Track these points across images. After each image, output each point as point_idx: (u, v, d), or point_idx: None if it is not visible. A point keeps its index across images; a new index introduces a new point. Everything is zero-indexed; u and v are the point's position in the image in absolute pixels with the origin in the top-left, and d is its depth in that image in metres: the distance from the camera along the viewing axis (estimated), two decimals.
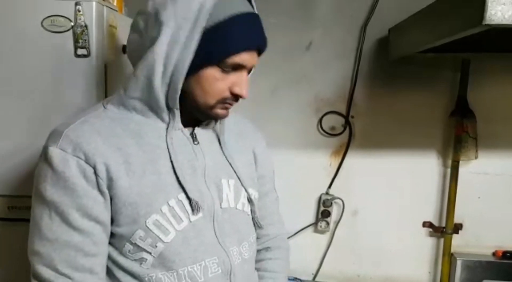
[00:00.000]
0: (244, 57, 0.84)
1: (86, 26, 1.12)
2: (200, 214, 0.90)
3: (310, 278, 1.89)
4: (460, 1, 1.01)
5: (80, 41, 1.13)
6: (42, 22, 1.13)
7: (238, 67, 0.86)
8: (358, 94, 1.76)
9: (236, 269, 0.95)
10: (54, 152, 0.81)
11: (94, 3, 1.13)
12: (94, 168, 0.81)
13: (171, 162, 0.88)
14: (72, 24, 1.13)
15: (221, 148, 0.98)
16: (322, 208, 1.83)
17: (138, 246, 0.86)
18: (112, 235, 0.87)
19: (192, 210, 0.89)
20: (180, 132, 0.91)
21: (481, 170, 1.76)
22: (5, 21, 1.15)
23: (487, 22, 0.87)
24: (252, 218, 1.02)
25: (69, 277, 0.82)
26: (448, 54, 1.53)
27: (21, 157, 1.21)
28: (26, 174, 1.22)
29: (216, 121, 0.97)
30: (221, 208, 0.94)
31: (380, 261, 1.86)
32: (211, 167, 0.94)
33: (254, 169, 1.07)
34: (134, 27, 0.88)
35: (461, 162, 1.72)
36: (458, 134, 1.69)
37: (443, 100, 1.73)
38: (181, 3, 0.80)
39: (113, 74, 1.23)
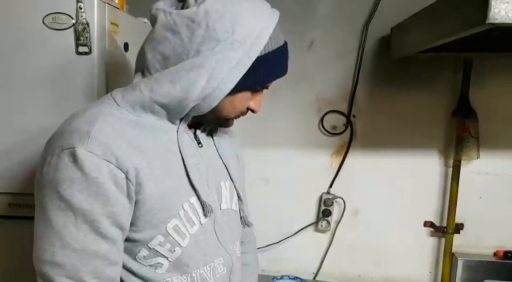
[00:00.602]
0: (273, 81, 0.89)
1: (87, 23, 1.12)
2: (207, 217, 0.91)
3: (311, 278, 1.88)
4: (463, 0, 1.00)
5: (82, 38, 1.13)
6: (43, 20, 1.13)
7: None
8: (359, 93, 1.76)
9: (235, 267, 0.99)
10: (85, 155, 0.74)
11: (95, 0, 1.13)
12: (126, 173, 0.77)
13: (184, 165, 0.87)
14: (73, 21, 1.12)
15: (217, 150, 1.00)
16: (323, 207, 1.82)
17: (156, 251, 0.85)
18: (126, 240, 0.83)
19: (204, 213, 0.89)
20: (187, 135, 0.91)
21: (482, 169, 1.75)
22: (6, 18, 1.15)
23: (490, 21, 0.87)
24: (241, 217, 1.06)
25: None
26: (450, 53, 1.53)
27: (22, 154, 1.20)
28: (26, 172, 1.21)
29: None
30: (220, 209, 0.96)
31: (381, 260, 1.86)
32: (212, 169, 0.96)
33: (240, 170, 1.09)
34: (170, 28, 0.81)
35: (462, 162, 1.72)
36: (460, 134, 1.69)
37: (445, 100, 1.73)
38: (241, 26, 0.79)
39: (115, 72, 1.22)
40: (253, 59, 0.81)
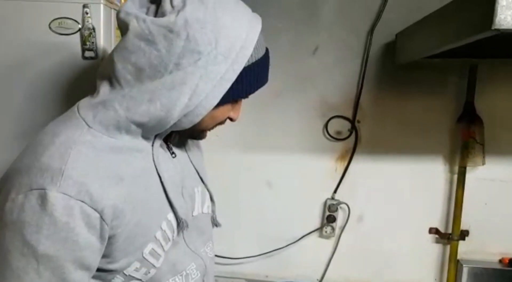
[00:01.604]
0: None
1: (93, 28, 1.13)
2: (180, 233, 0.89)
3: None
4: (469, 6, 1.00)
5: (88, 43, 1.13)
6: (49, 24, 1.13)
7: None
8: (364, 99, 1.76)
9: (208, 268, 1.00)
10: (56, 198, 0.68)
11: (102, 5, 1.14)
12: (101, 213, 0.71)
13: (161, 183, 0.83)
14: (79, 26, 1.13)
15: (189, 156, 0.99)
16: (327, 213, 1.82)
17: (132, 277, 0.83)
18: (100, 270, 0.79)
19: (179, 229, 0.88)
20: (161, 148, 0.87)
21: (488, 176, 1.74)
22: (12, 23, 1.15)
23: (496, 27, 0.86)
24: (212, 217, 1.05)
25: None
26: (455, 59, 1.52)
27: None
28: None
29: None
30: (192, 216, 0.95)
31: (385, 267, 1.85)
32: (186, 177, 0.94)
33: (202, 161, 1.07)
34: (145, 38, 0.73)
35: (468, 168, 1.71)
36: (465, 140, 1.68)
37: (450, 106, 1.72)
38: (225, 37, 0.73)
39: None
40: (238, 72, 0.76)
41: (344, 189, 1.81)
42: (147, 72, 0.73)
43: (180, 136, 0.95)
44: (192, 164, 0.99)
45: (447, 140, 1.75)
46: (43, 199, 0.68)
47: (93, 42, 1.13)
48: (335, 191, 1.82)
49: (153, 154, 0.82)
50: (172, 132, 0.87)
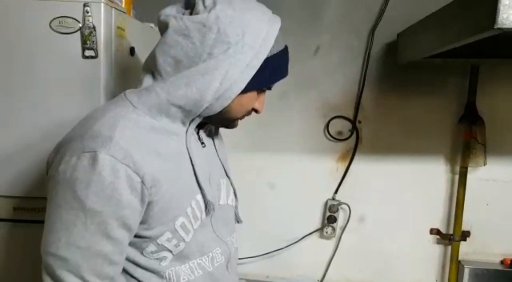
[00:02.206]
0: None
1: (94, 27, 1.12)
2: (208, 214, 0.97)
3: None
4: (471, 5, 1.00)
5: (88, 42, 1.13)
6: (50, 23, 1.13)
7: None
8: (365, 99, 1.75)
9: (232, 257, 1.07)
10: (105, 159, 0.77)
11: (102, 4, 1.13)
12: (142, 178, 0.80)
13: (192, 165, 0.92)
14: (80, 25, 1.12)
15: (216, 150, 1.07)
16: (328, 214, 1.81)
17: (163, 247, 0.90)
18: (136, 236, 0.87)
19: (207, 211, 0.95)
20: (193, 137, 0.95)
21: (489, 176, 1.74)
22: (13, 22, 1.15)
23: (499, 26, 0.86)
24: (235, 213, 1.13)
25: None
26: (457, 60, 1.52)
27: (27, 158, 1.20)
28: (31, 176, 1.21)
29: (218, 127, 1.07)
30: (219, 204, 1.02)
31: (386, 268, 1.84)
32: (213, 168, 1.02)
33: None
34: (182, 32, 0.84)
35: (469, 169, 1.70)
36: (467, 141, 1.68)
37: (452, 106, 1.72)
38: (250, 30, 0.85)
39: (121, 76, 1.22)
40: (261, 61, 0.87)
41: (345, 189, 1.81)
42: (184, 63, 0.85)
43: (213, 128, 1.05)
44: (219, 157, 1.07)
45: (448, 140, 1.74)
46: (93, 160, 0.77)
47: (93, 41, 1.13)
48: (336, 191, 1.81)
49: (186, 139, 0.91)
50: (205, 123, 0.97)
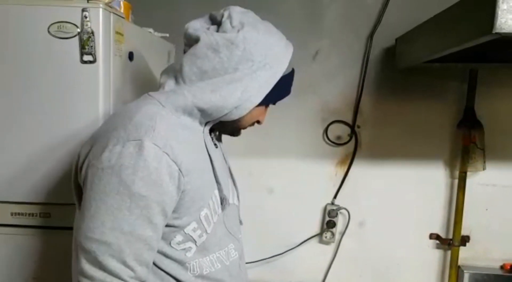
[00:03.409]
0: None
1: (92, 32, 1.12)
2: (224, 209, 1.03)
3: None
4: (470, 10, 1.00)
5: (87, 47, 1.13)
6: (48, 28, 1.13)
7: None
8: (364, 103, 1.76)
9: (242, 254, 1.13)
10: (150, 146, 0.83)
11: (101, 9, 1.13)
12: (179, 166, 0.86)
13: (211, 161, 0.99)
14: (78, 30, 1.12)
15: (222, 153, 1.15)
16: (327, 218, 1.81)
17: (190, 236, 0.95)
18: (166, 226, 0.91)
19: (223, 206, 1.02)
20: (209, 136, 1.02)
21: (488, 181, 1.74)
22: (11, 27, 1.15)
23: (497, 31, 0.86)
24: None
25: (133, 270, 0.85)
26: (455, 64, 1.52)
27: (25, 163, 1.20)
28: (28, 181, 1.21)
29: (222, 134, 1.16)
30: (229, 203, 1.07)
31: (386, 273, 1.83)
32: (221, 169, 1.07)
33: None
34: (212, 47, 0.94)
35: (468, 173, 1.70)
36: (466, 145, 1.68)
37: (451, 111, 1.72)
38: (272, 52, 0.96)
39: (119, 81, 1.22)
40: (277, 79, 0.98)
41: (344, 194, 1.81)
42: (209, 74, 0.94)
43: (220, 133, 1.15)
44: (225, 160, 1.15)
45: (447, 145, 1.74)
46: (140, 147, 0.83)
47: (92, 46, 1.12)
48: (335, 196, 1.81)
49: (204, 136, 0.99)
50: (213, 129, 1.05)
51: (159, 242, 0.91)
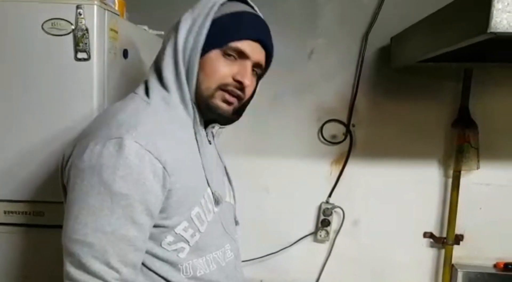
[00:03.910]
0: (246, 46, 0.94)
1: (87, 29, 1.11)
2: (219, 206, 1.01)
3: None
4: (465, 9, 1.00)
5: (81, 44, 1.12)
6: (42, 25, 1.12)
7: (241, 55, 0.95)
8: (359, 102, 1.76)
9: (238, 254, 1.10)
10: (131, 144, 0.81)
11: (95, 7, 1.12)
12: (164, 164, 0.84)
13: (201, 158, 0.96)
14: (73, 27, 1.11)
15: (218, 152, 1.12)
16: (322, 217, 1.81)
17: (181, 236, 0.92)
18: (155, 226, 0.89)
19: (216, 203, 0.99)
20: (202, 132, 0.99)
21: (482, 180, 1.74)
22: (5, 24, 1.14)
23: (492, 30, 0.86)
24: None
25: (118, 271, 0.83)
26: (450, 64, 1.53)
27: (18, 161, 1.19)
28: (21, 179, 1.20)
29: (215, 121, 1.04)
30: (225, 201, 1.06)
31: (380, 271, 1.84)
32: (216, 167, 1.06)
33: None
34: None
35: (462, 172, 1.71)
36: (460, 144, 1.68)
37: (445, 110, 1.72)
38: (198, 6, 0.95)
39: (113, 78, 1.22)
40: (210, 21, 0.93)
41: (339, 192, 1.81)
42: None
43: (215, 130, 1.07)
44: (220, 158, 1.13)
45: (441, 144, 1.75)
46: (120, 145, 0.81)
47: (86, 44, 1.12)
48: (329, 195, 1.81)
49: (195, 133, 0.96)
50: (209, 123, 1.01)
51: (146, 243, 0.88)
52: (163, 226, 0.90)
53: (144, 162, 0.82)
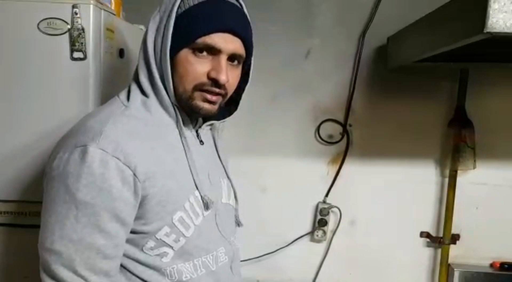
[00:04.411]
0: (216, 39, 0.87)
1: (83, 29, 1.11)
2: (209, 210, 0.97)
3: None
4: (461, 9, 1.00)
5: (77, 44, 1.11)
6: (38, 25, 1.11)
7: (212, 50, 0.88)
8: (356, 102, 1.76)
9: (235, 257, 1.06)
10: (95, 152, 0.80)
11: (91, 6, 1.12)
12: (134, 170, 0.82)
13: (188, 161, 0.93)
14: (68, 27, 1.11)
15: (216, 150, 1.08)
16: (319, 217, 1.81)
17: (162, 242, 0.89)
18: (134, 233, 0.87)
19: (205, 207, 0.95)
20: (190, 133, 0.97)
21: (479, 180, 1.75)
22: (0, 23, 1.13)
23: (488, 30, 0.87)
24: (235, 216, 1.13)
25: (86, 280, 0.82)
26: (446, 64, 1.53)
27: (13, 160, 1.18)
28: (16, 179, 1.19)
29: (200, 118, 1.01)
30: (221, 203, 1.04)
31: (376, 271, 1.84)
32: (213, 167, 1.03)
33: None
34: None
35: (459, 172, 1.71)
36: (456, 144, 1.68)
37: (442, 110, 1.73)
38: (165, 1, 0.91)
39: (109, 78, 1.21)
40: (173, 18, 0.87)
41: (336, 192, 1.81)
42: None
43: (214, 129, 1.06)
44: (220, 159, 1.09)
45: (438, 144, 1.75)
46: (84, 153, 0.80)
47: (82, 43, 1.11)
48: (326, 195, 1.81)
49: (180, 135, 0.93)
50: (203, 122, 1.00)
51: (119, 250, 0.86)
52: (142, 232, 0.88)
53: (110, 169, 0.80)
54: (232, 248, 1.05)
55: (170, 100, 0.91)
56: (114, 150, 0.81)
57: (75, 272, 0.81)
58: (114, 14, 1.26)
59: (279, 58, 1.72)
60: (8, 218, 1.21)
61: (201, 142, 1.01)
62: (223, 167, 1.09)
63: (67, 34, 1.12)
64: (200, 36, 0.86)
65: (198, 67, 0.88)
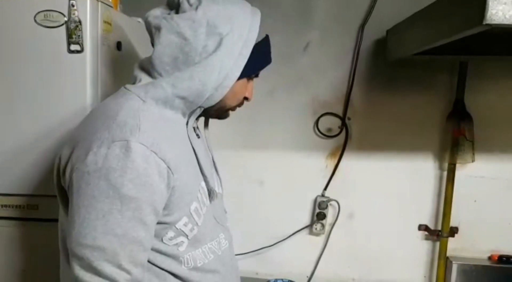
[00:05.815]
0: None
1: (80, 21, 1.10)
2: (213, 200, 1.03)
3: (305, 281, 1.87)
4: (460, 1, 0.99)
5: (74, 36, 1.11)
6: (35, 17, 1.11)
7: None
8: (355, 95, 1.75)
9: (232, 242, 1.13)
10: (137, 147, 0.81)
11: None
12: (168, 163, 0.85)
13: (195, 154, 0.98)
14: (65, 19, 1.11)
15: (207, 143, 1.14)
16: (317, 210, 1.81)
17: (181, 231, 0.94)
18: (157, 223, 0.90)
19: (211, 197, 1.02)
20: (191, 128, 1.00)
21: (477, 173, 1.75)
22: None
23: (487, 22, 0.86)
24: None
25: (128, 273, 0.84)
26: (445, 56, 1.52)
27: (11, 154, 1.18)
28: (14, 172, 1.19)
29: (208, 118, 1.11)
30: (217, 194, 1.07)
31: (375, 264, 1.84)
32: (205, 159, 1.05)
33: None
34: (175, 31, 0.90)
35: (457, 165, 1.71)
36: (455, 137, 1.68)
37: (440, 103, 1.72)
38: (237, 21, 0.92)
39: (107, 71, 1.21)
40: (251, 48, 0.94)
41: (334, 186, 1.81)
42: (181, 58, 0.90)
43: (206, 120, 1.11)
44: (209, 150, 1.14)
45: (437, 137, 1.75)
46: (126, 148, 0.81)
47: (79, 36, 1.11)
48: (325, 188, 1.81)
49: (187, 130, 0.97)
50: (199, 115, 1.02)
51: (152, 241, 0.89)
52: (165, 223, 0.91)
53: (150, 163, 0.82)
54: (229, 233, 1.12)
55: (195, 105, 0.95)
56: (152, 144, 0.83)
57: (120, 266, 0.83)
58: (112, 7, 1.25)
59: (277, 52, 1.69)
60: (6, 212, 1.21)
61: (198, 136, 1.06)
62: (212, 158, 1.15)
63: (64, 27, 1.12)
64: (262, 68, 1.02)
65: (245, 91, 1.03)
